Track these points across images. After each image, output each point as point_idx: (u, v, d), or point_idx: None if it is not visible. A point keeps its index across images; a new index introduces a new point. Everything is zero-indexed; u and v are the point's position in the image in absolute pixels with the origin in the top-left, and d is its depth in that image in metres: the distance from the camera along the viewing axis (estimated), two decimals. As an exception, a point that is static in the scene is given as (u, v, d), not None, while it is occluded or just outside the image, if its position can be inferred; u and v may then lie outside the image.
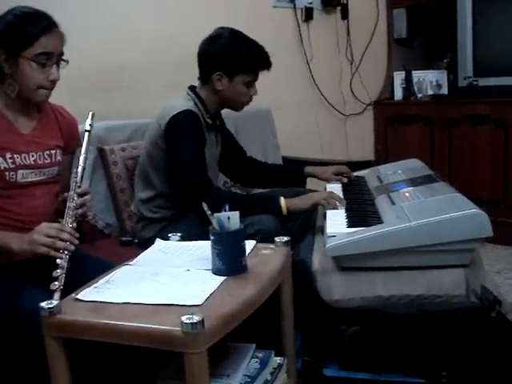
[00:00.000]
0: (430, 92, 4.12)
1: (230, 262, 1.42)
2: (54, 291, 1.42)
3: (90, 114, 1.68)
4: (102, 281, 1.43)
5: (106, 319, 1.22)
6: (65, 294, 1.38)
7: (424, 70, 4.17)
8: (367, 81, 4.12)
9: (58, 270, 1.47)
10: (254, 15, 3.33)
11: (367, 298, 1.64)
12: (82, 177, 1.64)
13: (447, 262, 1.63)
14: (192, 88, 2.25)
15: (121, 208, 2.51)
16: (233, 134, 2.55)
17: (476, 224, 1.59)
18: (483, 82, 3.65)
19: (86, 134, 1.67)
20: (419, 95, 4.11)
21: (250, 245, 1.60)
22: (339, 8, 3.90)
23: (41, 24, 1.60)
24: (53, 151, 1.75)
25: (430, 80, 4.14)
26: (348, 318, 1.73)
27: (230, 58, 2.14)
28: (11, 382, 1.56)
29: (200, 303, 1.25)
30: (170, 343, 1.16)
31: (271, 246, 1.65)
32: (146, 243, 1.85)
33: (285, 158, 3.36)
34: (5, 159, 1.63)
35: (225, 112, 2.44)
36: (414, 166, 2.39)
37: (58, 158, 1.77)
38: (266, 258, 1.57)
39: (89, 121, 1.68)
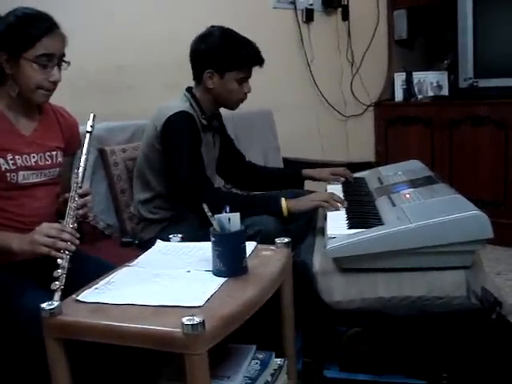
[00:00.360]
0: (431, 93, 4.12)
1: (230, 263, 1.42)
2: (54, 291, 1.42)
3: (92, 115, 1.68)
4: (102, 282, 1.43)
5: (107, 320, 1.22)
6: (65, 294, 1.38)
7: (424, 71, 4.18)
8: (368, 82, 4.12)
9: (59, 270, 1.47)
10: (254, 16, 3.33)
11: (368, 299, 1.64)
12: (83, 177, 1.64)
13: (448, 264, 1.63)
14: (189, 89, 2.25)
15: (121, 209, 2.51)
16: (233, 139, 2.56)
17: (476, 225, 1.59)
18: (484, 83, 3.65)
19: (87, 135, 1.67)
20: (420, 96, 4.11)
21: (250, 246, 1.60)
22: (340, 9, 3.90)
23: (42, 25, 1.60)
24: (54, 152, 1.75)
25: (430, 81, 4.14)
26: (349, 320, 1.73)
27: (220, 54, 2.15)
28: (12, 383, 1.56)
29: (201, 304, 1.25)
30: (171, 344, 1.16)
31: (272, 247, 1.64)
32: (147, 244, 1.85)
33: (285, 160, 3.36)
34: (6, 160, 1.63)
35: (225, 113, 2.44)
36: (415, 167, 2.39)
37: (59, 159, 1.77)
38: (266, 259, 1.57)
39: (90, 122, 1.68)
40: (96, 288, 1.39)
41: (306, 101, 3.80)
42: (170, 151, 2.11)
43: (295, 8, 3.66)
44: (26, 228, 1.65)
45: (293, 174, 2.58)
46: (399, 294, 1.63)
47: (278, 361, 1.61)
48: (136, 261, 1.59)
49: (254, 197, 2.14)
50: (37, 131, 1.73)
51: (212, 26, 2.22)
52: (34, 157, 1.69)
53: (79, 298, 1.33)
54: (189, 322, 1.12)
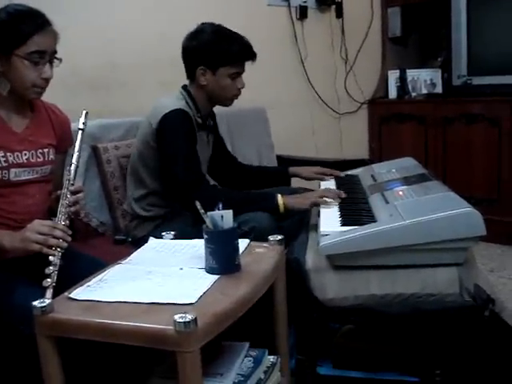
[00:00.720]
0: (425, 91, 4.13)
1: (223, 260, 1.42)
2: (46, 288, 1.41)
3: (84, 112, 1.68)
4: (95, 279, 1.42)
5: (99, 318, 1.22)
6: (58, 292, 1.38)
7: (418, 68, 4.19)
8: (361, 79, 4.12)
9: (51, 267, 1.47)
10: (248, 13, 3.32)
11: (361, 296, 1.64)
12: (75, 175, 1.63)
13: (441, 261, 1.63)
14: (185, 87, 2.25)
15: (114, 206, 2.50)
16: (223, 139, 2.56)
17: (469, 223, 1.59)
18: (477, 80, 3.66)
19: (80, 132, 1.66)
20: (413, 94, 4.12)
21: (243, 243, 1.60)
22: (334, 7, 3.90)
23: (34, 22, 1.59)
24: (45, 150, 1.75)
25: (424, 79, 4.15)
26: (342, 317, 1.73)
27: (211, 50, 2.15)
28: (4, 381, 1.55)
29: (193, 302, 1.25)
30: (163, 342, 1.15)
31: (265, 244, 1.64)
32: (140, 242, 1.85)
33: (279, 157, 3.36)
34: None
35: (218, 111, 2.44)
36: (408, 164, 2.39)
37: (51, 156, 1.77)
38: (259, 256, 1.57)
39: (82, 119, 1.67)
40: (88, 286, 1.39)
41: (299, 98, 3.80)
42: (166, 149, 2.11)
43: (289, 5, 3.65)
44: (17, 225, 1.65)
45: (279, 172, 2.60)
46: (392, 291, 1.63)
47: (271, 358, 1.61)
48: (128, 258, 1.58)
49: (250, 193, 2.14)
50: (29, 128, 1.72)
51: (202, 23, 2.22)
52: (25, 154, 1.69)
53: (71, 295, 1.33)
54: (181, 320, 1.12)
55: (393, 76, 4.18)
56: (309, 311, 1.73)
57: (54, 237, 1.51)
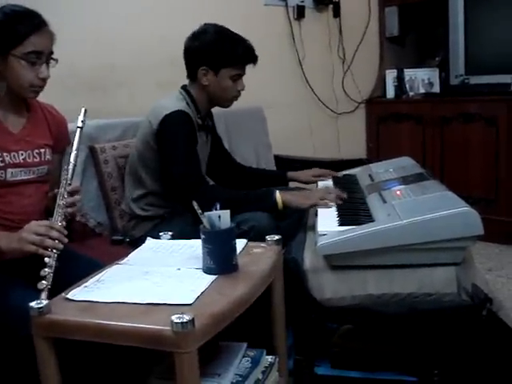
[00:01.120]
0: (422, 90, 4.13)
1: (220, 260, 1.42)
2: (41, 290, 1.41)
3: (83, 110, 1.68)
4: (92, 280, 1.42)
5: (96, 319, 1.22)
6: (55, 293, 1.37)
7: (416, 68, 4.19)
8: (359, 79, 4.12)
9: (46, 269, 1.46)
10: (245, 13, 3.32)
11: (358, 296, 1.64)
12: (72, 174, 1.63)
13: (438, 261, 1.63)
14: (184, 87, 2.25)
15: (112, 206, 2.50)
16: (222, 140, 2.56)
17: (467, 222, 1.59)
18: (475, 80, 3.67)
19: (78, 130, 1.66)
20: (411, 93, 4.12)
21: (241, 243, 1.60)
22: (331, 6, 3.90)
23: (31, 22, 1.60)
24: (42, 150, 1.74)
25: (421, 78, 4.15)
26: (339, 317, 1.73)
27: (214, 51, 2.15)
28: (1, 382, 1.55)
29: (190, 302, 1.25)
30: (161, 343, 1.15)
31: (262, 244, 1.64)
32: (138, 242, 1.84)
33: (277, 157, 3.36)
34: None
35: (216, 111, 2.44)
36: (406, 164, 2.39)
37: (48, 156, 1.76)
38: (257, 256, 1.57)
39: (81, 117, 1.67)
40: (85, 286, 1.38)
41: (297, 98, 3.80)
42: (166, 149, 2.11)
43: (286, 5, 3.65)
44: (14, 226, 1.65)
45: (277, 176, 2.60)
46: (389, 291, 1.63)
47: (269, 358, 1.61)
48: (126, 259, 1.58)
49: (249, 193, 2.14)
50: (25, 128, 1.72)
51: (205, 24, 2.22)
52: (22, 154, 1.68)
53: (68, 296, 1.32)
54: (178, 320, 1.12)
55: (390, 75, 4.18)
56: (306, 311, 1.73)
57: (50, 237, 1.50)
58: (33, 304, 1.24)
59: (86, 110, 1.68)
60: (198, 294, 1.29)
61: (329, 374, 1.89)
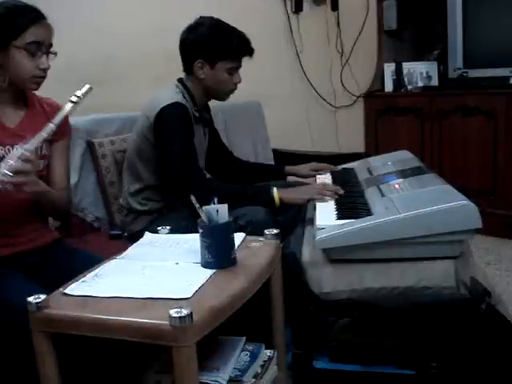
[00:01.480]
0: (420, 84, 4.12)
1: (218, 255, 1.41)
2: None
3: (87, 86, 1.64)
4: (90, 275, 1.42)
5: (94, 314, 1.22)
6: (53, 288, 1.37)
7: (414, 61, 4.18)
8: (357, 73, 4.11)
9: None
10: (243, 6, 3.31)
11: (357, 290, 1.64)
12: (37, 147, 1.57)
13: (437, 254, 1.63)
14: (180, 80, 2.24)
15: (110, 201, 2.50)
16: (219, 134, 2.56)
17: (465, 215, 1.59)
18: (473, 73, 3.66)
19: (69, 104, 1.64)
20: (409, 87, 4.11)
21: (239, 237, 1.60)
22: (329, 0, 3.88)
23: (31, 15, 1.63)
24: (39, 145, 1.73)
25: (420, 72, 4.14)
26: (338, 311, 1.73)
27: (210, 44, 2.15)
28: (0, 377, 1.55)
29: (189, 296, 1.25)
30: (159, 337, 1.15)
31: (261, 238, 1.64)
32: (136, 236, 1.84)
33: (275, 151, 3.36)
34: None
35: (214, 105, 2.43)
36: (404, 157, 2.39)
37: (44, 151, 1.76)
38: (255, 250, 1.57)
39: (79, 92, 1.64)
40: (83, 281, 1.38)
41: (295, 92, 3.79)
42: (163, 142, 2.10)
43: (284, -2, 3.65)
44: (8, 219, 1.66)
45: (276, 170, 2.60)
46: (388, 285, 1.62)
47: (268, 352, 1.61)
48: (124, 253, 1.58)
49: (246, 187, 2.14)
50: (22, 123, 1.72)
51: (201, 17, 2.21)
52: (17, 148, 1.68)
53: (66, 291, 1.32)
54: (176, 315, 1.11)
55: (389, 69, 4.18)
56: (305, 305, 1.73)
57: None
58: (31, 299, 1.24)
59: (90, 88, 1.65)
60: (196, 289, 1.29)
61: (327, 368, 1.89)
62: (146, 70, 2.90)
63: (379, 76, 4.25)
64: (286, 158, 3.20)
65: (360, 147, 4.15)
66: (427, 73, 4.14)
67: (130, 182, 2.26)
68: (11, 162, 1.47)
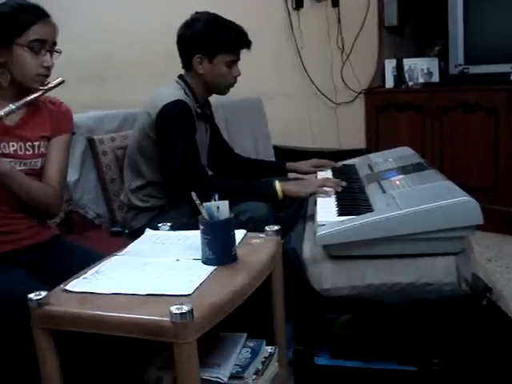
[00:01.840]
0: (421, 80, 4.12)
1: (219, 251, 1.41)
2: None
3: (59, 79, 1.73)
4: (91, 271, 1.42)
5: (95, 310, 1.22)
6: (54, 284, 1.37)
7: (415, 57, 4.17)
8: (358, 69, 4.10)
9: None
10: (244, 3, 3.31)
11: (358, 286, 1.64)
12: (7, 112, 1.61)
13: (438, 250, 1.63)
14: (181, 77, 2.24)
15: (111, 198, 2.50)
16: (219, 130, 2.55)
17: (466, 212, 1.58)
18: (474, 69, 3.65)
19: (38, 92, 1.68)
20: (410, 83, 4.10)
21: (240, 234, 1.60)
22: (330, -4, 3.88)
23: (34, 13, 1.64)
24: (36, 143, 1.73)
25: (421, 68, 4.14)
26: (339, 307, 1.72)
27: (207, 38, 2.15)
28: (1, 373, 1.55)
29: (189, 293, 1.25)
30: (160, 334, 1.15)
31: (261, 235, 1.64)
32: (137, 233, 1.84)
33: (276, 147, 3.35)
34: None
35: (215, 101, 2.43)
36: (405, 154, 2.38)
37: (42, 149, 1.75)
38: (256, 247, 1.57)
39: (50, 83, 1.71)
40: (84, 277, 1.38)
41: (296, 88, 3.79)
42: (165, 139, 2.10)
43: (285, -5, 3.64)
44: (3, 216, 1.67)
45: (277, 167, 2.59)
46: (389, 281, 1.62)
47: (269, 349, 1.62)
48: (125, 250, 1.58)
49: (248, 183, 2.13)
50: (21, 121, 1.72)
51: (197, 12, 2.22)
52: (13, 146, 1.68)
53: (67, 287, 1.32)
54: (177, 311, 1.12)
55: (389, 65, 4.17)
56: (306, 301, 1.73)
57: None
58: (32, 296, 1.24)
59: (62, 81, 1.74)
60: (197, 285, 1.29)
61: (328, 364, 1.89)
62: (145, 66, 2.90)
63: (380, 72, 4.24)
64: (286, 154, 3.20)
65: (361, 143, 4.14)
66: (428, 69, 4.13)
67: (131, 179, 2.26)
68: None
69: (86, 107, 2.54)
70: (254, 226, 1.81)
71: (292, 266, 1.70)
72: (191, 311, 1.12)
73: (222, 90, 2.28)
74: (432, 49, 4.19)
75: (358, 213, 1.72)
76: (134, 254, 1.54)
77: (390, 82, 4.18)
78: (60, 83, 1.73)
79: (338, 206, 1.86)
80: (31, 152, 1.72)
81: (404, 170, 2.08)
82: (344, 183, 2.03)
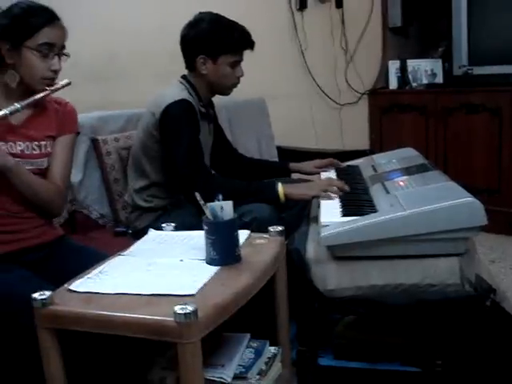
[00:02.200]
0: (425, 81, 4.11)
1: (223, 251, 1.42)
2: None
3: (66, 81, 1.74)
4: (95, 271, 1.42)
5: (99, 310, 1.22)
6: (58, 284, 1.37)
7: (419, 58, 4.16)
8: (362, 70, 4.10)
9: None
10: (247, 4, 3.31)
11: (362, 287, 1.64)
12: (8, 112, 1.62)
13: (442, 251, 1.63)
14: (184, 77, 2.24)
15: (115, 198, 2.50)
16: (223, 130, 2.56)
17: (470, 212, 1.58)
18: (478, 70, 3.65)
19: (45, 92, 1.69)
20: (414, 84, 4.10)
21: (243, 234, 1.60)
22: (334, -4, 3.88)
23: (44, 16, 1.65)
24: (43, 143, 1.74)
25: (424, 69, 4.13)
26: (342, 308, 1.73)
27: (211, 39, 2.15)
28: (4, 372, 1.55)
29: (193, 293, 1.25)
30: (164, 334, 1.15)
31: (265, 235, 1.64)
32: (140, 233, 1.84)
33: (279, 148, 3.35)
34: None
35: (218, 101, 2.43)
36: (409, 154, 2.38)
37: (48, 149, 1.76)
38: (260, 247, 1.57)
39: (57, 84, 1.72)
40: (88, 277, 1.39)
41: (299, 89, 3.78)
42: (169, 139, 2.10)
43: (289, -5, 3.64)
44: (10, 216, 1.68)
45: (280, 167, 2.59)
46: (393, 282, 1.62)
47: (273, 349, 1.61)
48: (129, 250, 1.58)
49: (251, 184, 2.13)
50: (28, 121, 1.73)
51: (200, 13, 2.22)
52: (20, 145, 1.69)
53: (71, 287, 1.33)
54: (181, 311, 1.12)
55: (393, 66, 4.16)
56: (310, 302, 1.73)
57: None
58: (36, 295, 1.25)
59: (69, 83, 1.75)
60: (201, 285, 1.29)
61: (332, 365, 1.89)
62: (150, 67, 2.90)
63: (384, 73, 4.24)
64: (290, 155, 3.19)
65: (364, 144, 4.14)
66: (432, 70, 4.12)
67: (135, 179, 2.27)
68: None
69: (91, 107, 2.55)
70: (258, 226, 1.81)
71: (296, 266, 1.70)
72: (195, 311, 1.12)
73: (226, 90, 2.28)
74: (436, 50, 4.18)
75: (361, 213, 1.72)
76: (138, 254, 1.54)
77: (393, 83, 4.18)
78: (66, 85, 1.74)
79: (342, 206, 1.86)
80: (38, 151, 1.73)
81: (408, 170, 2.08)
82: (347, 188, 2.02)
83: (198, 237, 1.53)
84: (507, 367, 1.77)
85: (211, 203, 1.42)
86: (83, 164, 2.45)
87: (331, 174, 2.35)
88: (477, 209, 1.58)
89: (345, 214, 1.77)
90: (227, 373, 1.42)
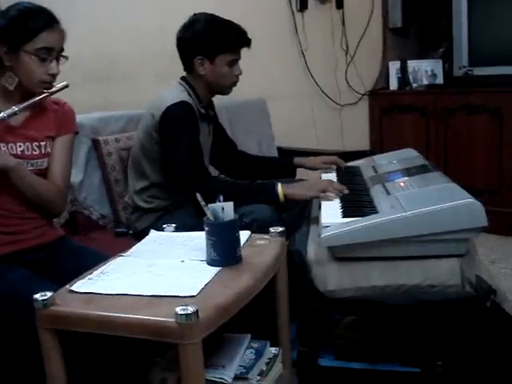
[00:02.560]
0: (425, 82, 4.11)
1: (224, 252, 1.42)
2: None
3: (64, 83, 1.73)
4: (96, 272, 1.42)
5: (100, 311, 1.22)
6: (59, 285, 1.37)
7: (419, 59, 4.17)
8: (362, 71, 4.10)
9: None
10: (248, 4, 3.31)
11: (362, 288, 1.64)
12: (9, 114, 1.63)
13: (442, 252, 1.63)
14: (184, 78, 2.25)
15: (115, 199, 2.50)
16: (224, 128, 2.55)
17: (471, 214, 1.58)
18: (478, 71, 3.65)
19: (42, 95, 1.69)
20: (414, 85, 4.10)
21: (244, 235, 1.60)
22: (334, -3, 3.88)
23: (43, 19, 1.64)
24: (43, 143, 1.74)
25: (425, 69, 4.13)
26: (343, 308, 1.73)
27: (207, 39, 2.15)
28: (6, 371, 1.56)
29: (194, 294, 1.25)
30: (165, 334, 1.15)
31: (266, 236, 1.64)
32: (141, 234, 1.85)
33: (280, 149, 3.36)
34: None
35: (219, 102, 2.43)
36: (409, 155, 2.38)
37: (48, 149, 1.76)
38: (260, 248, 1.57)
39: (55, 87, 1.72)
40: (89, 278, 1.39)
41: (300, 89, 3.79)
42: (169, 141, 2.11)
43: (289, -4, 3.64)
44: (12, 216, 1.68)
45: (285, 163, 2.58)
46: (393, 283, 1.63)
47: (273, 350, 1.61)
48: (130, 251, 1.58)
49: (251, 184, 2.13)
50: (27, 122, 1.73)
51: (195, 14, 2.22)
52: (20, 146, 1.69)
53: (72, 288, 1.33)
54: (182, 312, 1.12)
55: (394, 67, 4.17)
56: (310, 303, 1.73)
57: None
58: (37, 296, 1.24)
59: (66, 85, 1.75)
60: (202, 286, 1.29)
61: (332, 366, 1.89)
62: (150, 68, 2.90)
63: (384, 74, 4.24)
64: (289, 155, 3.19)
65: (365, 145, 4.14)
66: (432, 71, 4.13)
67: (136, 180, 2.27)
68: None
69: (91, 108, 2.55)
70: (258, 227, 1.81)
71: (296, 267, 1.70)
72: (196, 312, 1.12)
73: (225, 89, 2.28)
74: (436, 50, 4.18)
75: (362, 214, 1.72)
76: (139, 255, 1.54)
77: (394, 84, 4.18)
78: (64, 87, 1.73)
79: (343, 207, 1.86)
80: (38, 152, 1.73)
81: (408, 171, 2.09)
82: (346, 191, 2.02)
83: (199, 238, 1.53)
84: (507, 368, 1.78)
85: (212, 204, 1.42)
86: (84, 164, 2.45)
87: (331, 176, 2.35)
88: (477, 210, 1.59)
89: (345, 215, 1.77)
90: (228, 373, 1.42)
